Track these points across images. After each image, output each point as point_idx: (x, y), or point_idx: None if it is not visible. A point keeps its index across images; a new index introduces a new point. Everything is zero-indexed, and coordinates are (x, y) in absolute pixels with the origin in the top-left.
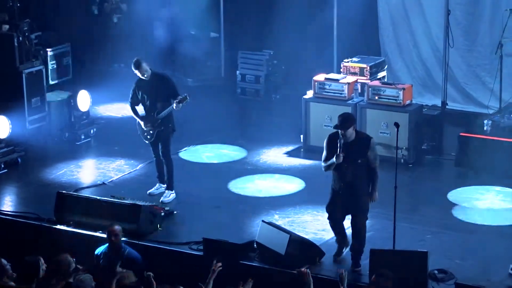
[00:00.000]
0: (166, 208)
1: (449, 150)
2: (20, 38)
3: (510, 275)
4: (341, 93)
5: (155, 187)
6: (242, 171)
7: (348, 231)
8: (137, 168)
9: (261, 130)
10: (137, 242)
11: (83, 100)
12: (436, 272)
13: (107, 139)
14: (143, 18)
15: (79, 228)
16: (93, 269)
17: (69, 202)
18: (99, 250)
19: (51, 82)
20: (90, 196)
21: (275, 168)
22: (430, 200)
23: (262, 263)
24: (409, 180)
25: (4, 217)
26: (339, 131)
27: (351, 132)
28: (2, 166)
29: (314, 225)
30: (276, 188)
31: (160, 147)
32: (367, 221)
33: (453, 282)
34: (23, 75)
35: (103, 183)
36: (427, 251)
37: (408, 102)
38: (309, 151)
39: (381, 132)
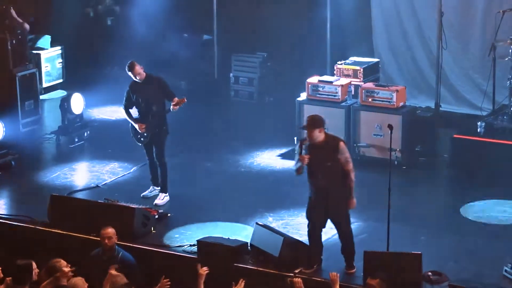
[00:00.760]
0: (160, 211)
1: (443, 152)
2: (14, 41)
3: (504, 277)
4: (334, 95)
5: (149, 190)
6: (236, 174)
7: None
8: (131, 171)
9: (255, 132)
10: (130, 245)
11: (77, 102)
12: (430, 273)
13: (101, 142)
14: (137, 21)
15: (72, 231)
16: (87, 271)
17: (63, 205)
18: (93, 253)
19: (44, 85)
20: (83, 198)
21: (269, 170)
22: (424, 202)
23: (256, 265)
24: (403, 182)
25: None
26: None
27: (317, 135)
28: None
29: None
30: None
31: (154, 149)
32: (360, 224)
33: (447, 284)
34: (17, 78)
35: (97, 186)
36: (421, 252)
37: (401, 104)
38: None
39: (374, 134)
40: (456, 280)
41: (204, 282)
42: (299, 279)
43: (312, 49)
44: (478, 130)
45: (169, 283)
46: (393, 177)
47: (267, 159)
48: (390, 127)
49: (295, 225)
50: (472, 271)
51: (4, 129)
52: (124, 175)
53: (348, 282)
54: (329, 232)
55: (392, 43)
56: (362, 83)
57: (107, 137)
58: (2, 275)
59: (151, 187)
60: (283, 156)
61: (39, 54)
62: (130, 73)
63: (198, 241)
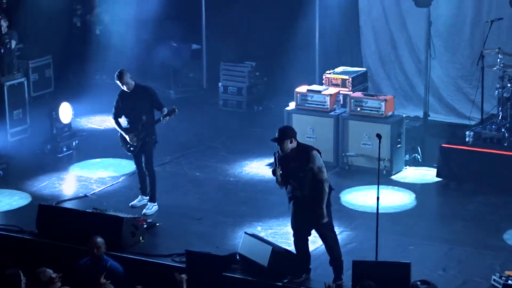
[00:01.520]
0: (149, 220)
1: (431, 161)
2: (2, 50)
3: (492, 286)
4: (323, 105)
5: (138, 199)
6: (225, 183)
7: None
8: (119, 180)
9: (244, 141)
10: (119, 254)
11: (65, 112)
12: (418, 283)
13: (89, 151)
14: (125, 31)
15: (61, 241)
16: (75, 281)
17: (51, 214)
18: (81, 262)
19: (32, 95)
20: (72, 208)
21: (258, 180)
22: (413, 211)
23: (245, 275)
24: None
25: None
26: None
27: (288, 146)
28: None
29: None
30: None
31: (143, 159)
32: (349, 233)
33: None
34: (5, 88)
35: (85, 196)
36: (409, 262)
37: (390, 113)
38: None
39: (363, 144)
40: None
41: None
42: None
43: (301, 58)
44: (467, 139)
45: (186, 277)
46: (382, 186)
47: (256, 168)
48: (379, 136)
49: (283, 234)
50: (460, 280)
51: None
52: (113, 184)
53: None
54: (318, 241)
55: (380, 53)
56: (351, 92)
57: (95, 147)
58: None
59: (139, 196)
60: (272, 165)
61: (27, 63)
62: (118, 82)
63: (186, 250)
